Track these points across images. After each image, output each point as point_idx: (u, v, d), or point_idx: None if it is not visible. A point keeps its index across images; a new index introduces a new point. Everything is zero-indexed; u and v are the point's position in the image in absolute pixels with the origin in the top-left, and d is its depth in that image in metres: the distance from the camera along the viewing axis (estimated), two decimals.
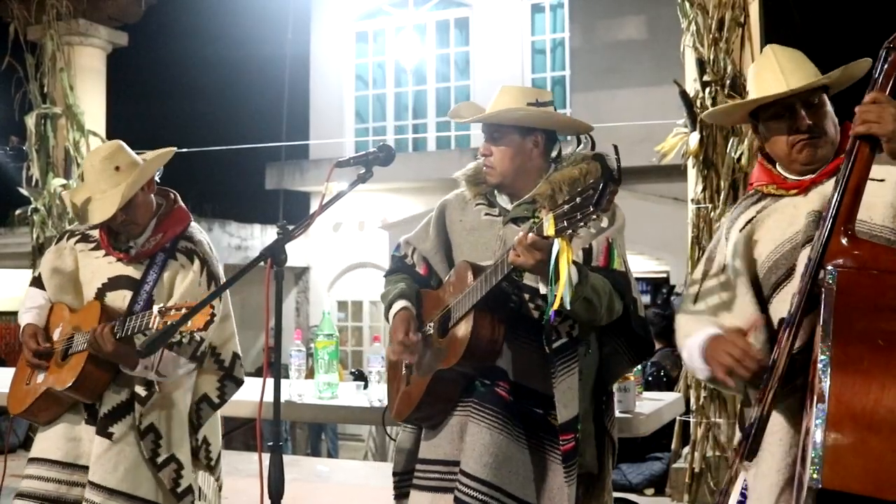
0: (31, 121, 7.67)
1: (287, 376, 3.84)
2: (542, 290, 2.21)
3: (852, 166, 1.95)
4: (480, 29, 12.51)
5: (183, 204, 3.07)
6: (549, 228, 2.10)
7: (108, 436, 2.84)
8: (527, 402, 2.45)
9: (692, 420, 5.58)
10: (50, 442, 2.93)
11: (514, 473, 2.40)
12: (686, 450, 5.75)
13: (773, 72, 2.23)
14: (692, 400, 5.56)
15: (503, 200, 2.64)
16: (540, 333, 2.42)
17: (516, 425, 2.43)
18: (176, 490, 2.88)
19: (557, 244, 2.13)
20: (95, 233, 3.02)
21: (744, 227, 2.27)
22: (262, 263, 2.38)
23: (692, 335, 2.25)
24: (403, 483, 2.64)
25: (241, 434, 8.64)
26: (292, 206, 12.83)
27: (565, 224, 2.06)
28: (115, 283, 2.93)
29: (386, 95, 13.32)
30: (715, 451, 5.50)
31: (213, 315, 2.52)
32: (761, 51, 5.86)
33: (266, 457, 2.34)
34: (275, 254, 2.36)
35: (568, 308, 2.19)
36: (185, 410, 2.95)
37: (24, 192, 7.74)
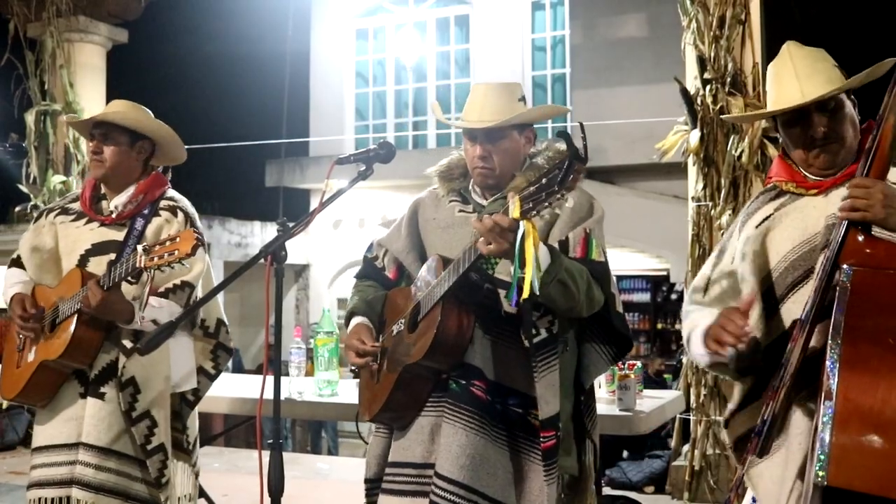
0: (30, 118, 7.67)
1: (287, 374, 3.84)
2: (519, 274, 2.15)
3: (870, 166, 1.93)
4: (481, 26, 12.50)
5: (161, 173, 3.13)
6: (514, 211, 2.05)
7: (101, 396, 2.85)
8: (505, 402, 2.37)
9: (692, 418, 5.58)
10: (53, 428, 2.91)
11: (492, 476, 2.31)
12: (686, 447, 5.76)
13: (789, 77, 2.16)
14: (692, 398, 5.56)
15: (477, 196, 2.58)
16: (517, 330, 2.34)
17: (495, 426, 2.34)
18: (146, 447, 2.85)
19: (522, 227, 2.08)
20: (76, 205, 3.07)
21: (760, 224, 2.22)
22: (262, 261, 2.38)
23: (698, 326, 2.21)
24: (374, 490, 2.54)
25: (242, 431, 8.63)
26: (292, 204, 12.82)
27: (530, 205, 2.02)
28: (99, 249, 2.94)
29: (386, 93, 13.31)
30: (715, 449, 5.49)
31: (198, 239, 2.50)
32: (762, 49, 5.86)
33: (266, 454, 2.34)
34: (275, 251, 2.36)
35: (537, 293, 2.12)
36: (165, 371, 2.91)
37: (23, 189, 7.75)
